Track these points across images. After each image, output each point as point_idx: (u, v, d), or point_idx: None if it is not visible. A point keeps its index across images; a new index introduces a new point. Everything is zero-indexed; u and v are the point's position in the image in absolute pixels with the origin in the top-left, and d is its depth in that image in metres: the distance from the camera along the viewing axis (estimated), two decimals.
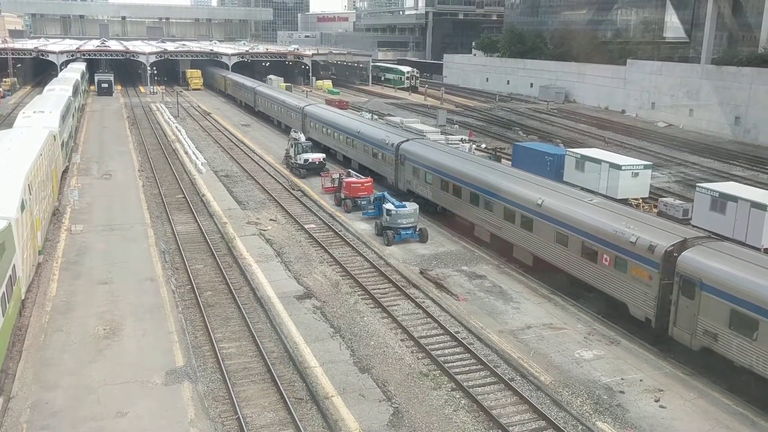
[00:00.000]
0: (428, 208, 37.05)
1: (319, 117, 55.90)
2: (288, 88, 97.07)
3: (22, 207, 23.97)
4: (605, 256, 24.44)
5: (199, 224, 35.69)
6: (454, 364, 21.45)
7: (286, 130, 62.63)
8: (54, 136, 39.39)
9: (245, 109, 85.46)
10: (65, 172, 45.59)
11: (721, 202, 33.06)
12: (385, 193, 35.64)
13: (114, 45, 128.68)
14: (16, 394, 18.88)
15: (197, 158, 51.57)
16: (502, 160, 49.37)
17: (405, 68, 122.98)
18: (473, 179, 32.75)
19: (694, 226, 31.06)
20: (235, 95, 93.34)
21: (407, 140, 40.92)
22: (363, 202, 37.83)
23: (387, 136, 42.66)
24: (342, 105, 79.19)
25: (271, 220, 37.07)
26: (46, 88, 65.08)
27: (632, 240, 23.32)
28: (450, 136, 54.88)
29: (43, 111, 45.56)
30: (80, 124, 68.67)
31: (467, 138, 56.22)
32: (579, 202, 27.33)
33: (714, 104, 73.09)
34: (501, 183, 31.01)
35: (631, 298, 23.48)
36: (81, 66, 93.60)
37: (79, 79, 77.75)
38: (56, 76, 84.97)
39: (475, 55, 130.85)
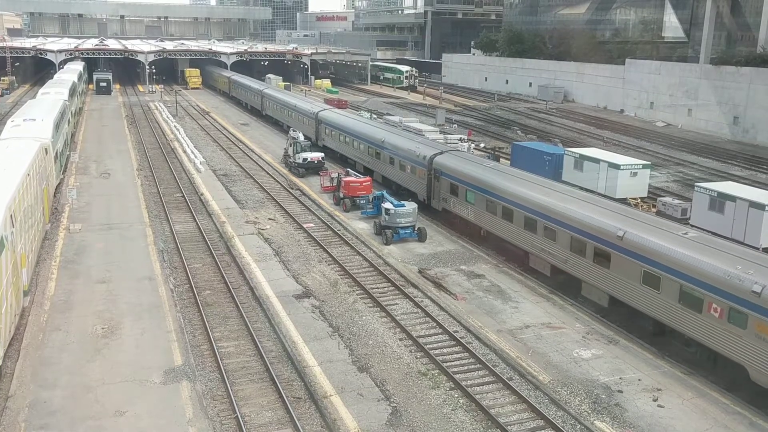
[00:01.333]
0: (469, 231, 33.63)
1: (336, 123, 51.38)
2: (287, 87, 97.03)
3: (1, 245, 20.30)
4: (714, 305, 20.10)
5: (197, 223, 35.68)
6: (453, 363, 21.46)
7: (287, 130, 62.57)
8: (46, 149, 35.14)
9: (244, 108, 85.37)
10: (60, 185, 41.39)
11: (719, 201, 33.08)
12: (384, 192, 35.66)
13: (112, 44, 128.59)
14: (14, 393, 18.86)
15: (196, 157, 51.53)
16: (501, 159, 49.40)
17: (404, 67, 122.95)
18: (530, 202, 28.47)
19: (693, 226, 31.07)
20: (239, 97, 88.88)
21: (442, 152, 36.79)
22: (362, 201, 37.80)
23: (417, 148, 38.50)
24: (341, 104, 79.17)
25: (269, 219, 37.07)
26: (40, 91, 61.10)
27: (756, 290, 18.95)
28: (449, 136, 54.87)
29: (34, 119, 40.87)
30: (78, 124, 68.43)
31: (466, 137, 56.23)
32: (672, 235, 22.80)
33: (712, 104, 73.13)
34: (568, 208, 26.62)
35: (753, 361, 19.17)
36: (78, 66, 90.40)
37: (76, 80, 73.70)
38: (55, 74, 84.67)
39: (473, 54, 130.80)
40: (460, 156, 36.82)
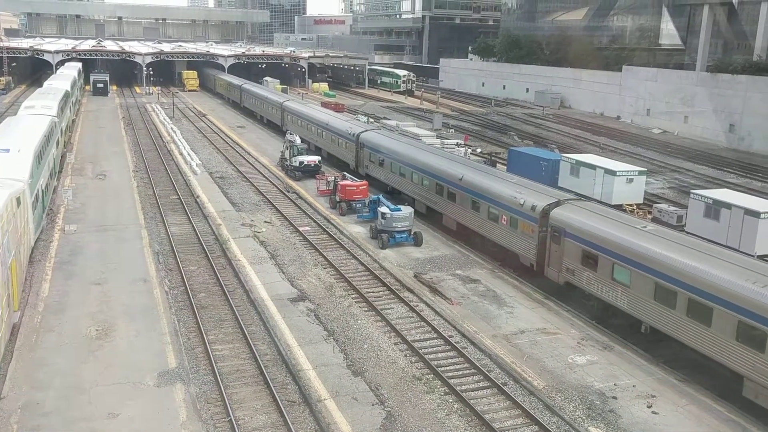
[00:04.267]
0: (618, 320, 24.16)
1: (387, 150, 41.42)
2: (284, 90, 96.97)
3: None
4: None
5: (193, 225, 35.61)
6: (448, 368, 21.43)
7: (281, 132, 62.44)
8: (18, 199, 25.30)
9: (241, 110, 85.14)
10: (42, 234, 32.11)
11: (715, 209, 33.16)
12: (380, 196, 35.61)
13: (110, 45, 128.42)
14: (6, 394, 18.77)
15: (192, 159, 51.48)
16: (497, 165, 49.44)
17: (401, 72, 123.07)
18: (752, 303, 18.94)
19: (688, 233, 31.13)
20: (253, 109, 77.99)
21: (559, 203, 27.39)
22: (358, 205, 37.77)
23: (520, 194, 29.01)
24: (338, 108, 79.19)
25: (265, 222, 37.02)
26: (24, 104, 50.38)
27: None
28: (445, 140, 54.94)
29: (8, 149, 30.85)
30: (73, 128, 68.27)
31: (463, 142, 56.34)
32: None
33: (709, 111, 73.34)
34: None
35: None
36: (73, 72, 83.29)
37: (69, 88, 64.19)
38: (45, 81, 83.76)
39: (471, 59, 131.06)
40: (599, 212, 26.48)
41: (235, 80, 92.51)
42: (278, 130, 66.28)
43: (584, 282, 25.18)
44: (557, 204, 27.32)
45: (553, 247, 26.58)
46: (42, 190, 32.45)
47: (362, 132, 45.95)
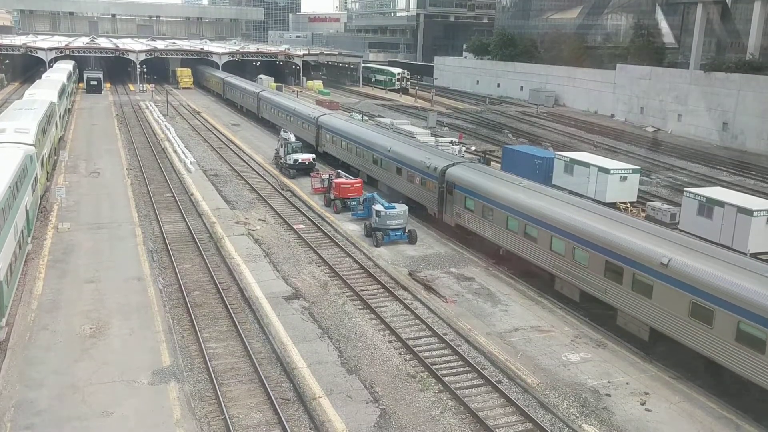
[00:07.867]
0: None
1: (502, 199, 29.37)
2: (279, 88, 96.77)
3: None
4: None
5: (187, 223, 35.54)
6: (442, 365, 21.46)
7: (275, 130, 62.19)
8: None
9: (236, 108, 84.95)
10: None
11: (708, 207, 33.29)
12: (375, 194, 35.61)
13: (104, 42, 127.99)
14: (0, 392, 18.72)
15: (186, 157, 51.35)
16: (492, 163, 49.49)
17: (396, 70, 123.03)
18: None
19: (681, 231, 31.24)
20: (277, 123, 63.85)
21: None
22: (352, 203, 37.78)
23: None
24: (333, 106, 79.08)
25: (260, 220, 36.98)
26: None
27: None
28: (440, 138, 54.96)
29: None
30: (66, 126, 67.99)
31: (457, 140, 56.38)
32: None
33: (702, 110, 73.57)
34: None
35: None
36: (62, 76, 72.19)
37: (56, 98, 52.77)
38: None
39: (465, 57, 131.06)
40: None
41: (250, 86, 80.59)
42: (273, 127, 66.12)
43: None
44: None
45: None
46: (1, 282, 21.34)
47: (449, 166, 33.83)
